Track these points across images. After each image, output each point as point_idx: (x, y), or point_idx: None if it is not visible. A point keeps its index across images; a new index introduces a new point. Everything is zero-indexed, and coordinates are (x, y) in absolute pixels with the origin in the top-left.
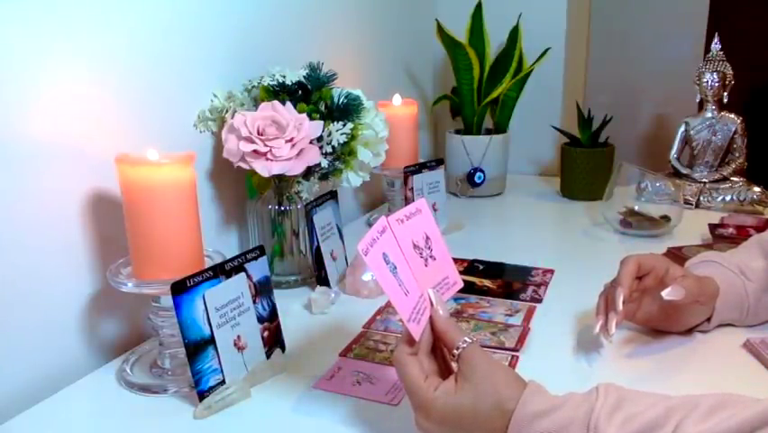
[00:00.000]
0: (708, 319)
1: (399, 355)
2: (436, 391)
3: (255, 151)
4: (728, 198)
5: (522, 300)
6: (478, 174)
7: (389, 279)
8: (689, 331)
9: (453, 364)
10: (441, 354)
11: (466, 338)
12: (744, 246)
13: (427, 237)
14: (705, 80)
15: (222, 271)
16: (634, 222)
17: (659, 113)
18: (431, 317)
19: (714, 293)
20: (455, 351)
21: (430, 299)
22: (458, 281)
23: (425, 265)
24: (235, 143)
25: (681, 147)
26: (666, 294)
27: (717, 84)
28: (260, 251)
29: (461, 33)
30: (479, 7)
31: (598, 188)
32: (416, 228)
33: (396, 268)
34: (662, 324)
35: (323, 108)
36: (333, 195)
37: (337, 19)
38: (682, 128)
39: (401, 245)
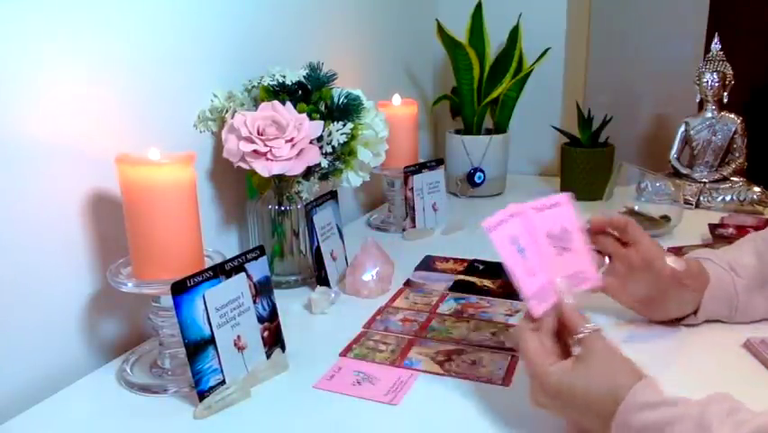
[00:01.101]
0: (695, 313)
1: (520, 329)
2: (552, 367)
3: (255, 151)
4: (728, 197)
5: (522, 300)
6: (478, 174)
7: (514, 258)
8: (674, 322)
9: (575, 349)
10: (564, 341)
11: (589, 326)
12: (737, 244)
13: (565, 230)
14: (705, 80)
15: (222, 271)
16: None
17: (659, 113)
18: (558, 304)
19: (703, 281)
20: (578, 336)
21: (558, 287)
22: (594, 278)
23: (558, 255)
24: (235, 143)
25: (681, 147)
26: (671, 261)
27: (717, 84)
28: (260, 251)
29: (461, 33)
30: (479, 7)
31: (598, 188)
32: (554, 219)
33: (524, 251)
34: (645, 309)
35: (323, 108)
36: (333, 195)
37: (337, 19)
38: (682, 128)
39: (533, 232)
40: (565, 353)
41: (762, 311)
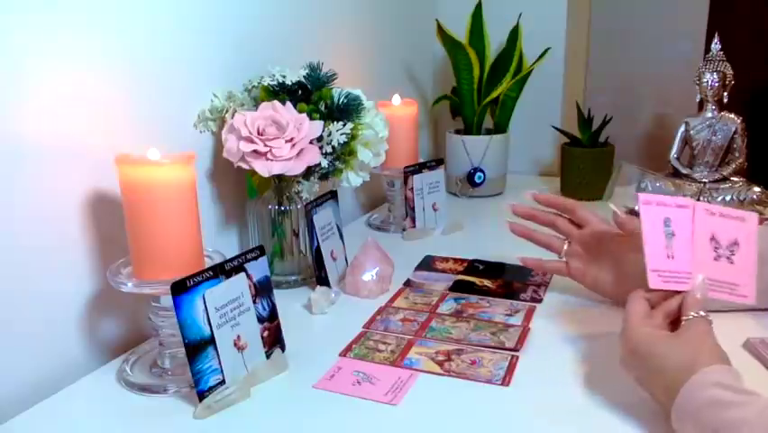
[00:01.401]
0: None
1: (634, 292)
2: (643, 329)
3: (255, 151)
4: (728, 197)
5: (522, 300)
6: (478, 174)
7: (655, 234)
8: None
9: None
10: (678, 326)
11: (701, 312)
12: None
13: (735, 242)
14: (705, 80)
15: (222, 271)
16: None
17: (659, 113)
18: (686, 293)
19: None
20: (685, 318)
21: (696, 280)
22: (749, 296)
23: (715, 259)
24: (235, 143)
25: (681, 147)
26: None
27: (717, 84)
28: (260, 251)
29: (461, 33)
30: (479, 7)
31: (598, 188)
32: (728, 229)
33: (673, 235)
34: (613, 290)
35: (323, 108)
36: (333, 195)
37: (337, 19)
38: (682, 128)
39: (696, 227)
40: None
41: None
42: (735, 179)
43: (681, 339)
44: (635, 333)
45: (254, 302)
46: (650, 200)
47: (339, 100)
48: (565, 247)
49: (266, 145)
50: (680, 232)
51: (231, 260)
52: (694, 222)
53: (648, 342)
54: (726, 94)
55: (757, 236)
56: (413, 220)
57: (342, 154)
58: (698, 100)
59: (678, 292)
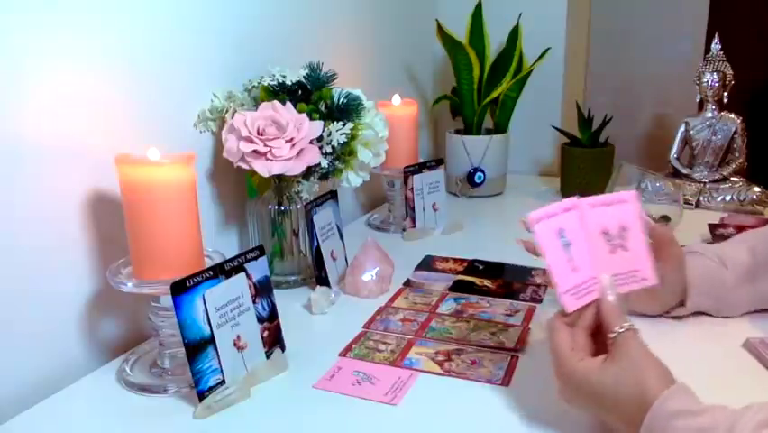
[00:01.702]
0: (683, 303)
1: (552, 322)
2: (580, 363)
3: (255, 151)
4: (728, 197)
5: (522, 300)
6: (478, 174)
7: (555, 251)
8: (662, 316)
9: (609, 348)
10: (602, 339)
11: (625, 324)
12: (732, 240)
13: (624, 228)
14: (705, 80)
15: (222, 271)
16: None
17: (659, 113)
18: (599, 300)
19: (680, 261)
20: (611, 334)
21: (602, 283)
22: (650, 278)
23: (611, 252)
24: (235, 143)
25: (681, 147)
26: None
27: (717, 84)
28: (260, 251)
29: (461, 33)
30: (479, 7)
31: (598, 188)
32: (613, 216)
33: (570, 245)
34: (642, 299)
35: (323, 108)
36: (333, 195)
37: (337, 19)
38: (682, 128)
39: (585, 227)
40: (600, 351)
41: (747, 304)
42: (735, 179)
43: (621, 365)
44: (572, 370)
45: (254, 302)
46: (539, 216)
47: (339, 100)
48: None
49: (266, 145)
50: (574, 238)
51: (231, 260)
52: (583, 222)
53: (590, 377)
54: (726, 94)
55: (640, 214)
56: (413, 220)
57: (342, 154)
58: (698, 100)
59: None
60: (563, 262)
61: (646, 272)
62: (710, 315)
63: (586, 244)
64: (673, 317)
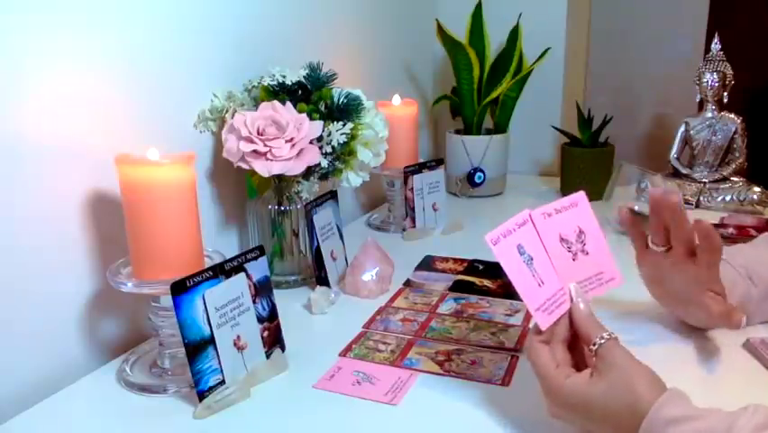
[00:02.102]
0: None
1: (529, 342)
2: (567, 380)
3: (255, 151)
4: (728, 197)
5: (522, 300)
6: (478, 174)
7: (518, 270)
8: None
9: (591, 360)
10: (580, 348)
11: (605, 334)
12: (753, 244)
13: (580, 231)
14: (705, 80)
15: (222, 271)
16: None
17: (659, 113)
18: (570, 311)
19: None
20: (592, 346)
21: (571, 293)
22: (616, 277)
23: (573, 259)
24: (235, 143)
25: (681, 147)
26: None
27: (717, 84)
28: (260, 251)
29: (461, 33)
30: (479, 7)
31: (598, 188)
32: (568, 222)
33: (531, 260)
34: (680, 308)
35: (323, 108)
36: (333, 195)
37: (337, 19)
38: (682, 128)
39: (543, 238)
40: (581, 362)
41: (761, 317)
42: (735, 179)
43: (609, 378)
44: (560, 388)
45: (254, 302)
46: (496, 236)
47: (339, 100)
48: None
49: (266, 145)
50: (535, 252)
51: (231, 260)
52: (539, 234)
53: (578, 394)
54: (726, 94)
55: (593, 214)
56: (413, 220)
57: (342, 154)
58: (698, 100)
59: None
60: (529, 278)
61: (611, 273)
62: None
63: (547, 256)
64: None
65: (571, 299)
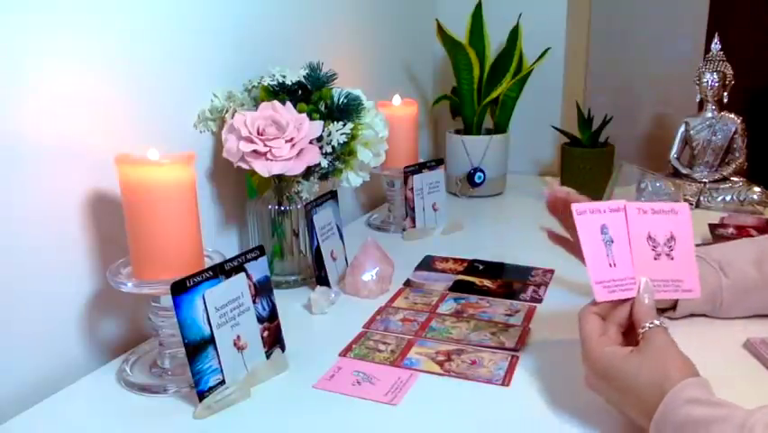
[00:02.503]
0: (673, 309)
1: (583, 310)
2: (606, 348)
3: (255, 151)
4: (728, 197)
5: (522, 300)
6: (478, 174)
7: (594, 243)
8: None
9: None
10: (634, 337)
11: (656, 321)
12: (738, 243)
13: (672, 237)
14: (705, 80)
15: (222, 271)
16: None
17: (659, 113)
18: (634, 300)
19: None
20: (641, 330)
21: (640, 284)
22: (693, 290)
23: (655, 259)
24: (235, 143)
25: (681, 147)
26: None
27: (717, 84)
28: (260, 251)
29: (461, 33)
30: (479, 7)
31: (598, 188)
32: (662, 224)
33: (612, 242)
34: None
35: (323, 108)
36: (333, 195)
37: (337, 19)
38: (682, 128)
39: (631, 230)
40: (629, 346)
41: (742, 311)
42: (735, 179)
43: (645, 355)
44: (598, 355)
45: (254, 302)
46: (583, 209)
47: (339, 100)
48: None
49: (266, 145)
50: (617, 237)
51: (231, 260)
52: (628, 224)
53: (614, 363)
54: (726, 94)
55: (691, 226)
56: (413, 220)
57: (342, 154)
58: (698, 100)
59: (626, 300)
60: (601, 254)
61: (691, 284)
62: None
63: (629, 245)
64: (669, 318)
65: (638, 291)
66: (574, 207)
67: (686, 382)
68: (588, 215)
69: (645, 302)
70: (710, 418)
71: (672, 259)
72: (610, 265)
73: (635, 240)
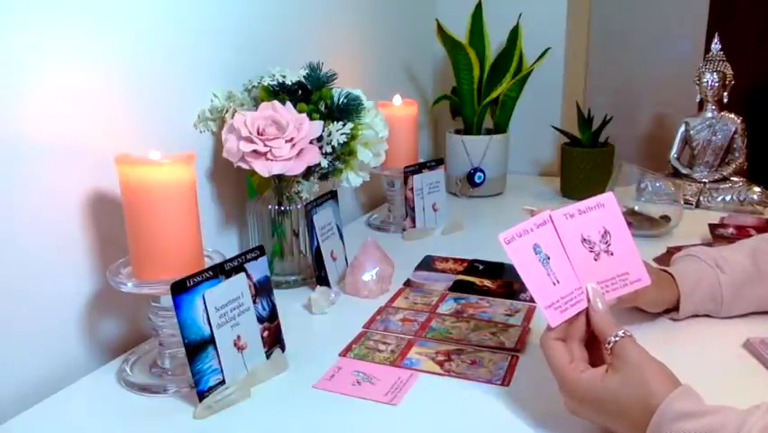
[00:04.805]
0: (677, 310)
1: (543, 339)
2: (582, 374)
3: (255, 151)
4: (728, 197)
5: (522, 300)
6: (478, 174)
7: (530, 268)
8: (663, 313)
9: (608, 357)
10: (598, 347)
11: (620, 332)
12: (736, 243)
13: (605, 232)
14: (705, 80)
15: (222, 271)
16: (634, 222)
17: (659, 113)
18: (587, 310)
19: (667, 292)
20: (608, 344)
21: (589, 293)
22: (642, 278)
23: (595, 259)
24: (235, 143)
25: (681, 147)
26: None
27: (717, 84)
28: (260, 251)
29: (461, 33)
30: (479, 7)
31: (598, 188)
32: (592, 222)
33: (548, 259)
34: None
35: (323, 108)
36: (333, 195)
37: (337, 19)
38: (682, 128)
39: (563, 239)
40: (599, 361)
41: (743, 308)
42: (735, 179)
43: (623, 373)
44: (575, 383)
45: (254, 302)
46: (510, 236)
47: (339, 100)
48: None
49: (266, 145)
50: (552, 252)
51: (231, 260)
52: (559, 234)
53: (593, 387)
54: (726, 94)
55: (621, 215)
56: (413, 220)
57: (342, 154)
58: (698, 100)
59: (580, 312)
60: (542, 276)
61: (638, 274)
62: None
63: (566, 256)
64: (673, 319)
65: (589, 300)
66: (500, 236)
67: (671, 396)
68: (516, 240)
69: (599, 309)
70: (703, 430)
71: (612, 254)
72: (554, 284)
73: (571, 247)
